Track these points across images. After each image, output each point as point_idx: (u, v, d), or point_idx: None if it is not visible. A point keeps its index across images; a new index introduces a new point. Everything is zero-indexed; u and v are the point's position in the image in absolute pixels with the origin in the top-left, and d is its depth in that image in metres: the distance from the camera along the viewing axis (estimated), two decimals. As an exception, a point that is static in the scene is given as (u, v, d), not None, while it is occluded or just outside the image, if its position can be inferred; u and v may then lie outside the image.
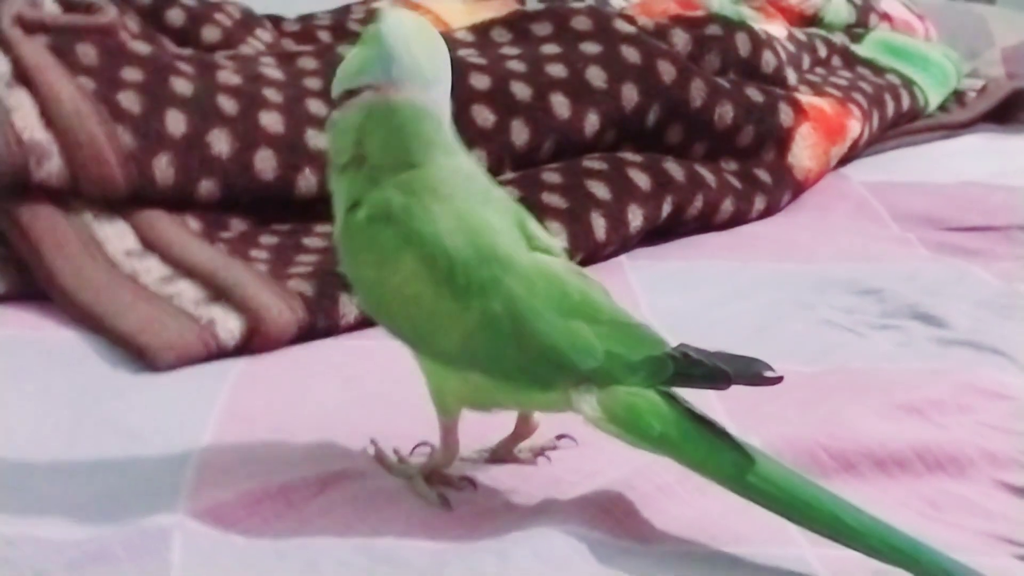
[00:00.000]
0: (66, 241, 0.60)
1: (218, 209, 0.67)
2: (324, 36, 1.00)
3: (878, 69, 1.04)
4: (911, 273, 0.67)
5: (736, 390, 0.39)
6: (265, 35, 0.94)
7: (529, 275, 0.40)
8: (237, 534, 0.37)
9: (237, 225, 0.67)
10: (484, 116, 0.75)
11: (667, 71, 0.79)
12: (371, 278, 0.41)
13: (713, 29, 0.87)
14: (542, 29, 0.84)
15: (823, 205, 0.84)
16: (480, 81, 0.76)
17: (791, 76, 0.91)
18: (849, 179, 0.89)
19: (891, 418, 0.45)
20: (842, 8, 1.16)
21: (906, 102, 1.00)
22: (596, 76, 0.78)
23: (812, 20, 1.14)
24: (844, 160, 0.92)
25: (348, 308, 0.57)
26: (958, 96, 1.14)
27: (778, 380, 0.39)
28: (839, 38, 1.08)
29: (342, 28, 1.01)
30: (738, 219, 0.79)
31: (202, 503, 0.38)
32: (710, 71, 0.85)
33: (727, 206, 0.78)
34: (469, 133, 0.73)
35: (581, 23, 0.83)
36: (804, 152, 0.84)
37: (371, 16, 1.02)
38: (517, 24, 0.85)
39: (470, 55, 0.79)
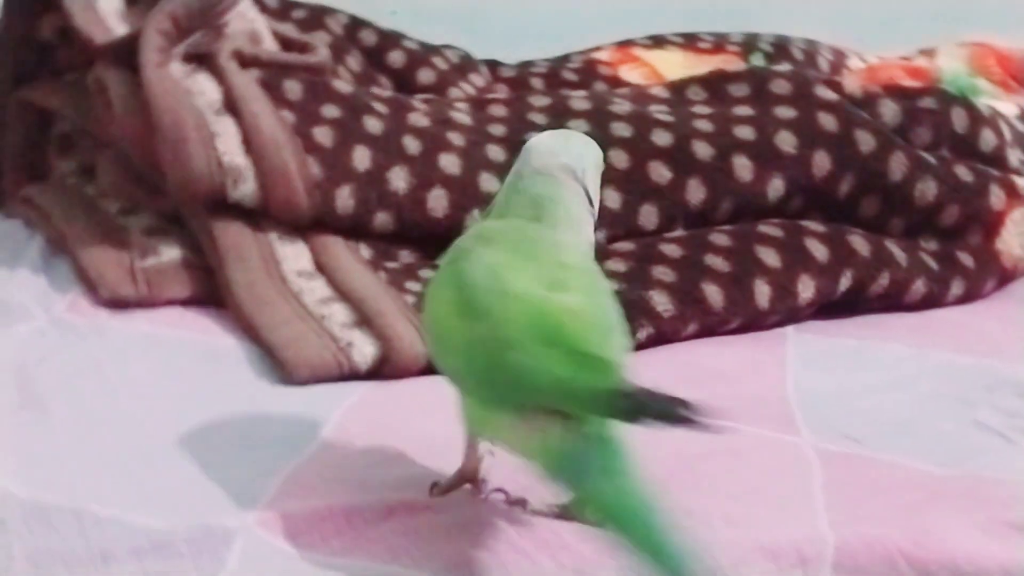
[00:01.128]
0: (248, 256, 0.66)
1: (391, 240, 0.70)
2: (537, 83, 1.03)
3: None
4: (1095, 382, 0.61)
5: (850, 486, 0.42)
6: (478, 80, 0.98)
7: (519, 307, 0.41)
8: (292, 546, 0.39)
9: (405, 257, 0.71)
10: (660, 172, 0.75)
11: (866, 141, 0.77)
12: (426, 303, 0.46)
13: (927, 102, 0.83)
14: (739, 90, 0.83)
15: (1032, 297, 0.78)
16: (662, 138, 0.76)
17: (1012, 157, 0.85)
18: (1068, 273, 0.82)
19: (993, 534, 0.42)
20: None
21: None
22: (786, 141, 0.76)
23: (1064, 97, 1.07)
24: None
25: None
26: None
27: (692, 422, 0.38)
28: (1082, 120, 1.00)
29: (557, 76, 1.04)
30: (932, 302, 0.75)
31: (273, 512, 0.41)
32: (920, 145, 0.82)
33: (918, 287, 0.74)
34: (643, 188, 0.74)
35: (780, 87, 0.81)
36: (1016, 239, 0.78)
37: (588, 66, 1.06)
38: (715, 84, 0.84)
39: (659, 111, 0.80)
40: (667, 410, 0.38)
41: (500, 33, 1.15)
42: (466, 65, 0.99)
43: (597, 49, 1.11)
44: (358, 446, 0.48)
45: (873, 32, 1.32)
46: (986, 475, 0.50)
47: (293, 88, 0.72)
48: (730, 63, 1.09)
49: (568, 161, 0.48)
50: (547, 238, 0.46)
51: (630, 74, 1.06)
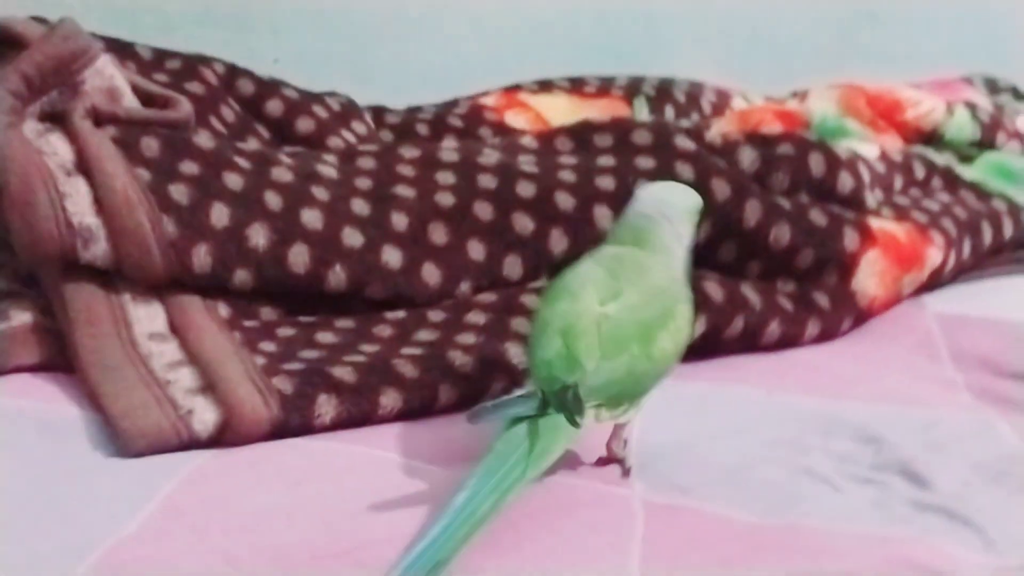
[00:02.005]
0: (99, 319, 0.65)
1: (251, 297, 0.71)
2: (423, 129, 1.04)
3: (984, 193, 0.99)
4: (931, 422, 0.64)
5: (669, 539, 0.47)
6: (361, 127, 0.99)
7: (565, 304, 0.55)
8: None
9: (267, 314, 0.71)
10: (524, 223, 0.76)
11: (721, 189, 0.79)
12: None
13: (785, 148, 0.85)
14: (603, 140, 0.85)
15: (887, 335, 0.81)
16: (526, 189, 0.78)
17: (870, 199, 0.88)
18: (924, 309, 0.85)
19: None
20: (966, 125, 1.11)
21: (1009, 230, 0.95)
22: None
23: (931, 136, 1.10)
24: (930, 287, 0.88)
25: (325, 408, 0.59)
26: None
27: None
28: (945, 158, 1.04)
29: (443, 122, 1.05)
30: (788, 342, 0.78)
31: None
32: (778, 190, 0.84)
33: (773, 328, 0.76)
34: (507, 239, 0.76)
35: (641, 137, 0.83)
36: (870, 279, 0.81)
37: (475, 112, 1.07)
38: (581, 134, 0.86)
39: (526, 161, 0.81)
40: (572, 406, 0.50)
41: (388, 78, 1.16)
42: (349, 112, 1.00)
43: (484, 94, 1.13)
44: (187, 519, 0.48)
45: (760, 71, 1.36)
46: (805, 524, 0.51)
47: (150, 145, 0.72)
48: (615, 107, 1.12)
49: (663, 205, 0.62)
50: (635, 260, 0.58)
51: (515, 119, 1.08)
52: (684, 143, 0.81)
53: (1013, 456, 0.58)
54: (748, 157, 0.84)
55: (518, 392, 0.54)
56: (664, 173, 0.79)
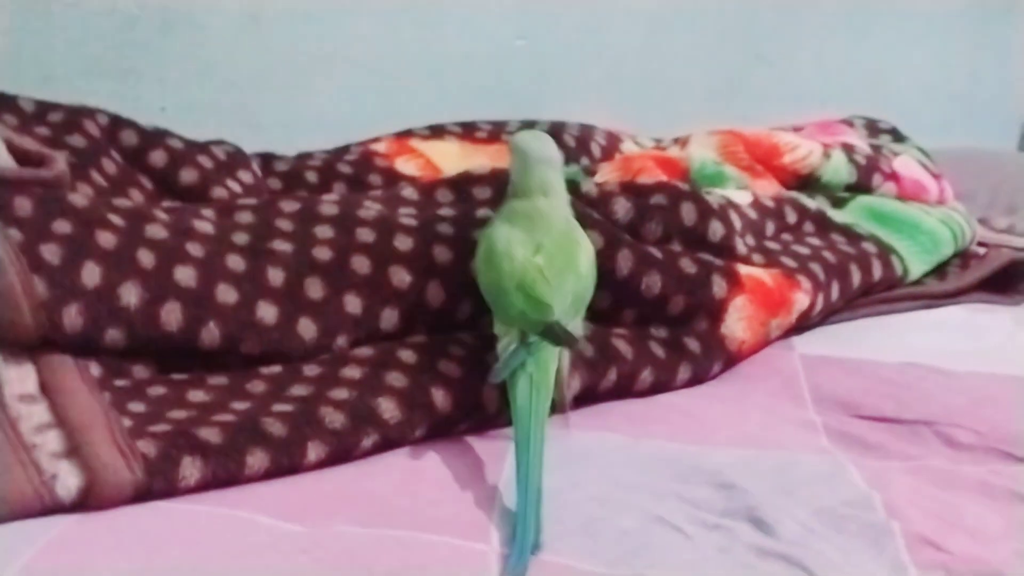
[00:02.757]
0: (-33, 382, 0.65)
1: (123, 355, 0.71)
2: (312, 177, 1.05)
3: (854, 236, 1.03)
4: (785, 465, 0.67)
5: None
6: (247, 177, 0.99)
7: (510, 265, 0.70)
8: None
9: (139, 371, 0.71)
10: (401, 277, 0.78)
11: (594, 240, 0.81)
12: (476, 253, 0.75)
13: (658, 198, 0.88)
14: (482, 192, 0.87)
15: (754, 377, 0.84)
16: (404, 243, 0.79)
17: (741, 245, 0.91)
18: (792, 351, 0.88)
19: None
20: (842, 167, 1.16)
21: (878, 272, 0.99)
22: None
23: (808, 179, 1.14)
24: (800, 329, 0.92)
25: (189, 471, 0.60)
26: (964, 259, 1.13)
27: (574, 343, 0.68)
28: (817, 202, 1.08)
29: (332, 169, 1.07)
30: (661, 387, 0.80)
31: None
32: (652, 239, 0.87)
33: (646, 376, 0.79)
34: (384, 292, 0.77)
35: None
36: (738, 323, 0.84)
37: (365, 158, 1.08)
38: (461, 185, 0.88)
39: (406, 214, 0.83)
40: (564, 335, 0.67)
41: (278, 125, 1.17)
42: (235, 161, 1.00)
43: (376, 140, 1.14)
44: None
45: (652, 114, 1.39)
46: (649, 575, 0.53)
47: (23, 205, 0.72)
48: (505, 153, 1.14)
49: (548, 149, 0.77)
50: (544, 211, 0.74)
51: (406, 166, 1.10)
52: None
53: (856, 500, 0.61)
54: (623, 207, 0.87)
55: (507, 349, 0.67)
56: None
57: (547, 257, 0.70)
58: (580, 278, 0.71)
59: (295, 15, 1.17)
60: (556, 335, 0.66)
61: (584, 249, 0.73)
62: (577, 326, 0.71)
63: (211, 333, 0.71)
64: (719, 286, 0.84)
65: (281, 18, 1.16)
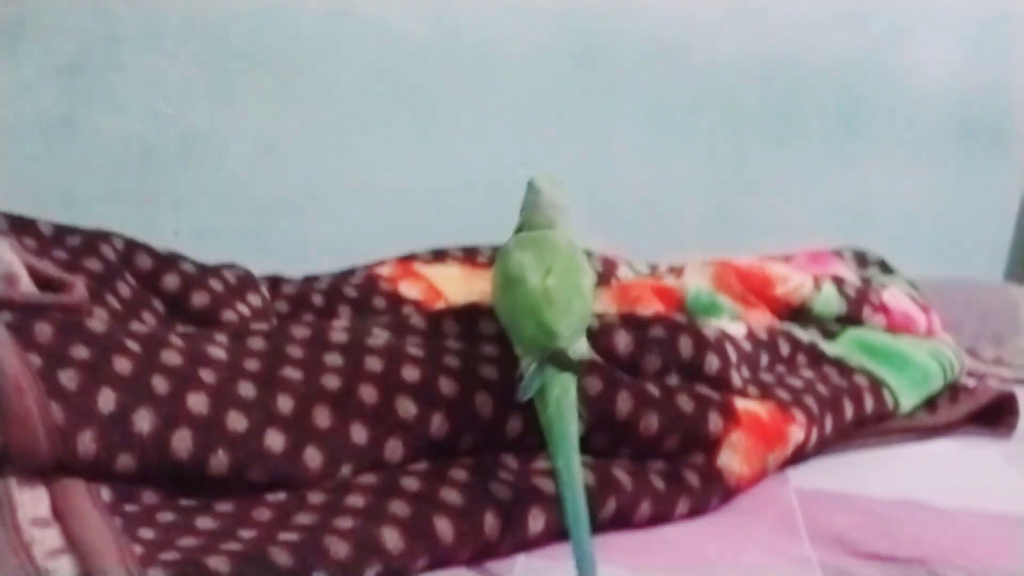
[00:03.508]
0: (-17, 504, 0.66)
1: (133, 481, 0.72)
2: (318, 300, 1.08)
3: (846, 369, 1.05)
4: (781, 605, 0.68)
5: None
6: (256, 300, 1.02)
7: (523, 290, 0.79)
8: None
9: (148, 497, 0.72)
10: (407, 407, 0.79)
11: (593, 385, 0.83)
12: (492, 278, 0.86)
13: (656, 331, 0.91)
14: (488, 327, 0.89)
15: (751, 511, 0.85)
16: (411, 374, 0.81)
17: (736, 378, 0.94)
18: (787, 484, 0.90)
19: None
20: (832, 299, 1.19)
21: (870, 405, 1.01)
22: None
23: (800, 310, 1.17)
24: (795, 461, 0.94)
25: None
26: (953, 392, 1.15)
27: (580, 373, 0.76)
28: (810, 335, 1.10)
29: (338, 292, 1.09)
30: (660, 519, 0.81)
31: None
32: (651, 371, 0.89)
33: (644, 508, 0.80)
34: (390, 422, 0.79)
35: None
36: (735, 458, 0.86)
37: (370, 281, 1.11)
38: (467, 318, 0.91)
39: (413, 343, 0.85)
40: (568, 362, 0.74)
41: (285, 248, 1.20)
42: (245, 285, 1.03)
43: (380, 263, 1.17)
44: None
45: (646, 240, 1.43)
46: None
47: (43, 331, 0.74)
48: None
49: (560, 194, 0.89)
50: (550, 243, 0.84)
51: (409, 289, 1.12)
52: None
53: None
54: (623, 341, 0.89)
55: (528, 369, 0.74)
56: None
57: (557, 281, 0.79)
58: (585, 301, 0.80)
59: (307, 144, 1.21)
60: (561, 361, 0.74)
61: (587, 274, 0.83)
62: (581, 346, 0.81)
63: (219, 461, 0.73)
64: (715, 423, 0.86)
65: (294, 147, 1.21)
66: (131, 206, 1.10)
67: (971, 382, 1.18)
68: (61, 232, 0.96)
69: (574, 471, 0.69)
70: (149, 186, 1.12)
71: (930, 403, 1.11)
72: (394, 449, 0.79)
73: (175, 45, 1.12)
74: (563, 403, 0.73)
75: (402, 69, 1.27)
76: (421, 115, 1.28)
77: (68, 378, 0.72)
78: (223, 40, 1.15)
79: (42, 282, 0.81)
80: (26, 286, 0.79)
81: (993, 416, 1.09)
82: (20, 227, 0.94)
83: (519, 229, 0.89)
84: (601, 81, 1.43)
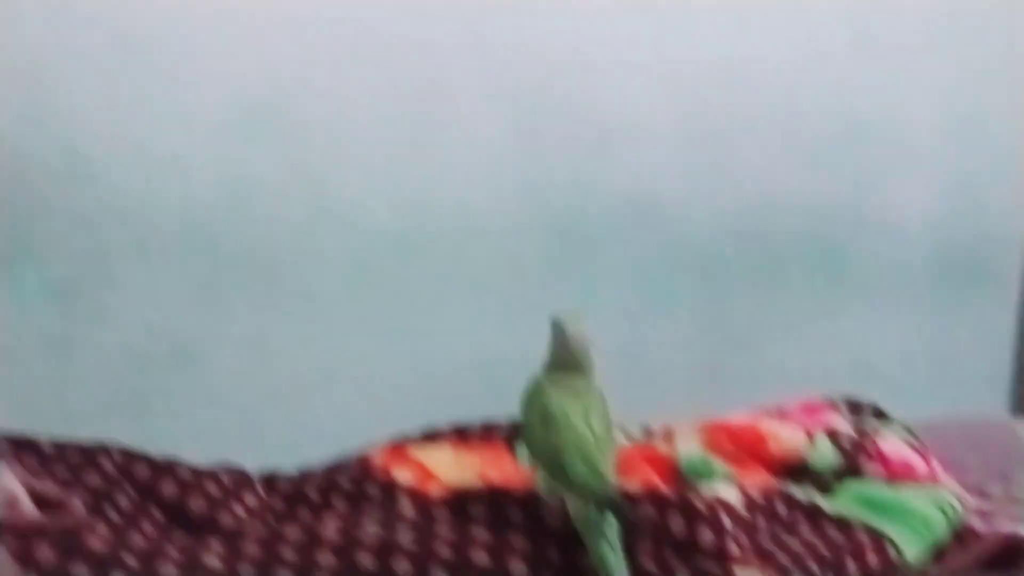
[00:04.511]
0: None
1: None
2: (313, 494, 1.08)
3: (846, 525, 1.05)
4: None
5: None
6: (251, 500, 1.03)
7: (570, 433, 0.85)
8: None
9: None
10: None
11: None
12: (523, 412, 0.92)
13: (646, 509, 0.92)
14: (477, 511, 0.91)
15: None
16: (402, 567, 0.82)
17: (734, 547, 0.94)
18: (795, 650, 0.89)
19: None
20: (828, 453, 1.19)
21: (873, 561, 1.00)
22: (517, 570, 0.84)
23: (797, 466, 1.18)
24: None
25: None
26: (961, 538, 1.13)
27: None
28: (807, 493, 1.10)
29: (333, 484, 1.10)
30: None
31: None
32: (646, 552, 0.90)
33: None
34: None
35: (514, 514, 0.90)
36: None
37: (363, 470, 1.12)
38: (456, 505, 0.92)
39: (404, 533, 0.86)
40: (621, 508, 0.83)
41: (280, 441, 1.21)
42: (240, 485, 1.04)
43: (373, 450, 1.18)
44: None
45: (638, 398, 1.44)
46: None
47: (44, 551, 0.76)
48: (497, 454, 1.18)
49: (584, 336, 0.92)
50: (584, 385, 0.90)
51: (401, 474, 1.13)
52: (552, 519, 0.87)
53: None
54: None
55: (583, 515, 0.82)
56: (535, 554, 0.85)
57: (598, 424, 0.86)
58: (614, 439, 0.89)
59: (296, 339, 1.25)
60: (614, 506, 0.82)
61: (609, 410, 0.90)
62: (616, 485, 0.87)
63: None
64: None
65: (283, 343, 1.24)
66: (128, 415, 1.12)
67: (980, 524, 1.16)
68: (61, 449, 0.98)
69: None
70: (145, 394, 1.15)
71: (937, 551, 1.10)
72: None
73: (165, 259, 1.16)
74: (616, 543, 0.81)
75: (383, 260, 1.31)
76: (405, 302, 1.32)
77: (68, 598, 0.73)
78: (210, 250, 1.20)
79: (41, 502, 0.82)
80: (27, 508, 0.80)
81: (1004, 560, 1.08)
82: (21, 447, 0.96)
83: (548, 366, 0.93)
84: (577, 249, 1.47)
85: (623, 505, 0.83)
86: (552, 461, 0.86)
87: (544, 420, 0.87)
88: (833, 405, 1.43)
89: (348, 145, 1.27)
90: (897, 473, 1.20)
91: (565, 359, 0.91)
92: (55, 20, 1.09)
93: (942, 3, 1.74)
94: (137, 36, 1.13)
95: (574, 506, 0.84)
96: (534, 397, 0.90)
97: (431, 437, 1.22)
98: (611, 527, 0.82)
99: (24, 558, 0.75)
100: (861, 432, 1.28)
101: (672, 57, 1.50)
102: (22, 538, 0.76)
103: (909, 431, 1.33)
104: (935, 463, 1.26)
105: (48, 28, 1.09)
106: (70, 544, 0.78)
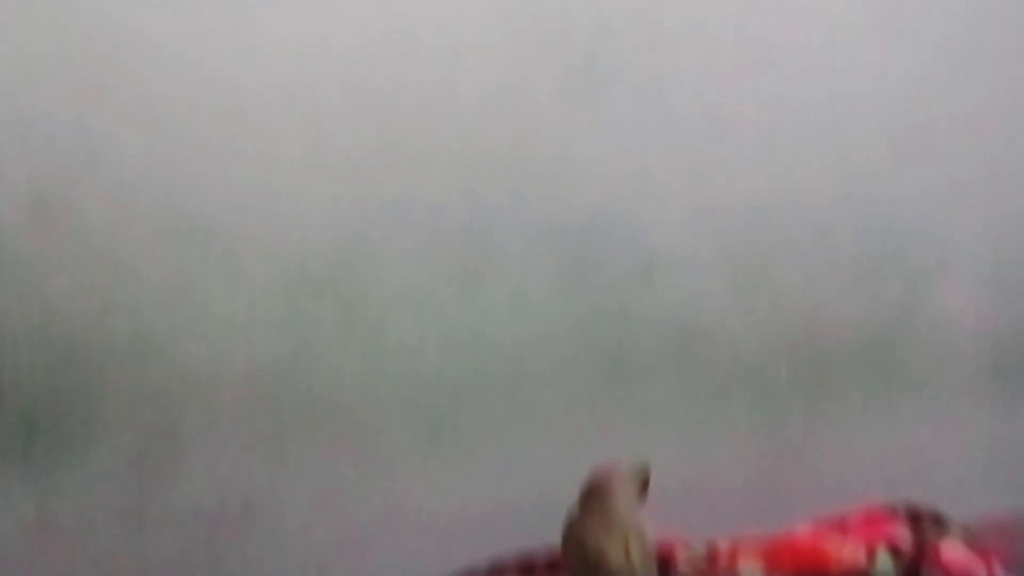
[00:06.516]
0: None
1: None
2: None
3: (912, 642, 1.05)
4: None
5: None
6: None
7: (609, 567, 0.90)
8: None
9: None
10: None
11: None
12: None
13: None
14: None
15: None
16: None
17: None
18: None
19: None
20: (888, 568, 1.20)
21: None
22: None
23: (860, 581, 1.18)
24: None
25: None
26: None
27: None
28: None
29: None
30: None
31: None
32: None
33: None
34: None
35: None
36: None
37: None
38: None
39: None
40: None
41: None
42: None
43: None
44: None
45: (697, 516, 1.45)
46: None
47: None
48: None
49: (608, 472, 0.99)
50: (615, 508, 0.94)
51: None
52: None
53: None
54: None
55: None
56: None
57: (636, 555, 0.91)
58: (655, 570, 0.92)
59: (360, 487, 1.29)
60: None
61: (649, 543, 0.94)
62: None
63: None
64: None
65: (347, 492, 1.28)
66: (203, 573, 1.17)
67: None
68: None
69: None
70: (217, 552, 1.19)
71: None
72: None
73: (231, 421, 1.22)
74: None
75: (440, 402, 1.36)
76: (462, 443, 1.36)
77: None
78: (274, 408, 1.25)
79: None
80: None
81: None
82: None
83: (580, 503, 0.99)
84: (628, 378, 1.50)
85: None
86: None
87: (582, 559, 0.92)
88: (894, 513, 1.42)
89: (401, 297, 1.33)
90: (958, 581, 1.20)
91: (594, 493, 0.98)
92: (119, 204, 1.18)
93: (976, 108, 1.77)
94: (195, 216, 1.21)
95: None
96: (568, 536, 0.95)
97: (498, 571, 1.25)
98: None
99: None
100: (921, 541, 1.28)
101: (710, 190, 1.55)
102: None
103: (970, 533, 1.32)
104: (997, 566, 1.25)
105: (113, 210, 1.18)
106: None
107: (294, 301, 1.27)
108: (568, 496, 1.44)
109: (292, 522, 1.26)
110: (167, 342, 1.19)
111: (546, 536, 1.33)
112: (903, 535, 1.32)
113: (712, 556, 1.31)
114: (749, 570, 1.16)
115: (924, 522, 1.42)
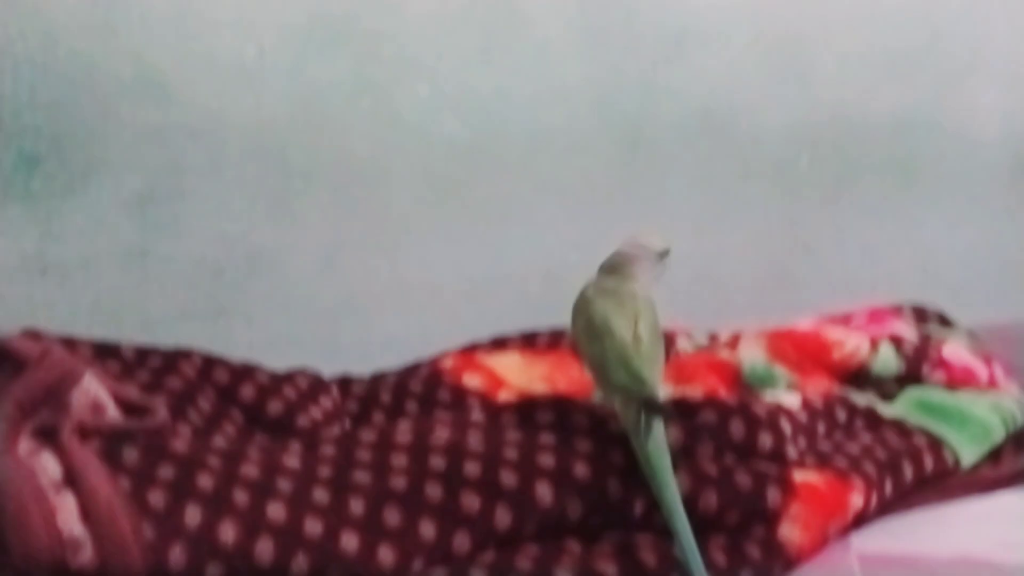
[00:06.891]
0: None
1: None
2: (386, 398, 1.13)
3: (905, 430, 1.07)
4: None
5: None
6: (327, 402, 1.07)
7: (613, 341, 0.88)
8: None
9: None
10: (471, 501, 0.84)
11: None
12: (572, 323, 0.95)
13: (706, 416, 0.94)
14: (544, 416, 0.94)
15: (814, 580, 0.87)
16: (472, 469, 0.86)
17: (792, 451, 0.96)
18: (849, 550, 0.92)
19: None
20: (890, 360, 1.21)
21: (929, 465, 1.02)
22: (581, 471, 0.86)
23: (858, 373, 1.19)
24: (856, 525, 0.95)
25: None
26: (1018, 442, 1.15)
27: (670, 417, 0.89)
28: (867, 398, 1.12)
29: (404, 389, 1.14)
30: (720, 595, 0.84)
31: None
32: (706, 456, 0.92)
33: (704, 586, 0.83)
34: (456, 517, 0.83)
35: (579, 419, 0.93)
36: (795, 530, 0.88)
37: (434, 375, 1.16)
38: (524, 411, 0.95)
39: (474, 441, 0.90)
40: (661, 408, 0.84)
41: (354, 349, 1.26)
42: (316, 389, 1.08)
43: (443, 356, 1.22)
44: None
45: (704, 308, 1.46)
46: None
47: (131, 454, 0.80)
48: (564, 361, 1.21)
49: (636, 246, 0.97)
50: (629, 289, 0.93)
51: (471, 380, 1.17)
52: (617, 427, 0.90)
53: None
54: (672, 431, 0.92)
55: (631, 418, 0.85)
56: (599, 456, 0.88)
57: (642, 330, 0.87)
58: (660, 341, 0.90)
59: (366, 249, 1.28)
60: (654, 407, 0.83)
61: (657, 315, 0.92)
62: (663, 389, 0.92)
63: (299, 565, 0.78)
64: (774, 497, 0.88)
65: (354, 253, 1.27)
66: (206, 323, 1.17)
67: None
68: (142, 354, 1.02)
69: (678, 502, 0.81)
70: (221, 303, 1.19)
71: (994, 455, 1.11)
72: (461, 542, 0.83)
73: (236, 171, 1.20)
74: (660, 442, 0.83)
75: (453, 170, 1.33)
76: (473, 211, 1.34)
77: (156, 498, 0.78)
78: (281, 162, 1.22)
79: (126, 407, 0.87)
80: (112, 413, 0.85)
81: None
82: (104, 353, 1.01)
83: (598, 276, 0.97)
84: (647, 161, 1.48)
85: (665, 408, 0.85)
86: (597, 369, 0.89)
87: (588, 330, 0.90)
88: (899, 312, 1.44)
89: (417, 55, 1.28)
90: (958, 379, 1.21)
91: (614, 268, 0.95)
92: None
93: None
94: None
95: (621, 411, 0.86)
96: (580, 309, 0.93)
97: (500, 344, 1.26)
98: (659, 429, 0.85)
99: (112, 461, 0.79)
100: (925, 339, 1.29)
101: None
102: (109, 441, 0.81)
103: (974, 337, 1.33)
104: (998, 369, 1.27)
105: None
106: (155, 446, 0.82)
107: (303, 49, 1.22)
108: (575, 275, 1.44)
109: (297, 282, 1.26)
110: (172, 82, 1.15)
111: (551, 314, 1.34)
112: (907, 332, 1.33)
113: (714, 344, 1.32)
114: (750, 353, 1.17)
115: (929, 322, 1.43)
